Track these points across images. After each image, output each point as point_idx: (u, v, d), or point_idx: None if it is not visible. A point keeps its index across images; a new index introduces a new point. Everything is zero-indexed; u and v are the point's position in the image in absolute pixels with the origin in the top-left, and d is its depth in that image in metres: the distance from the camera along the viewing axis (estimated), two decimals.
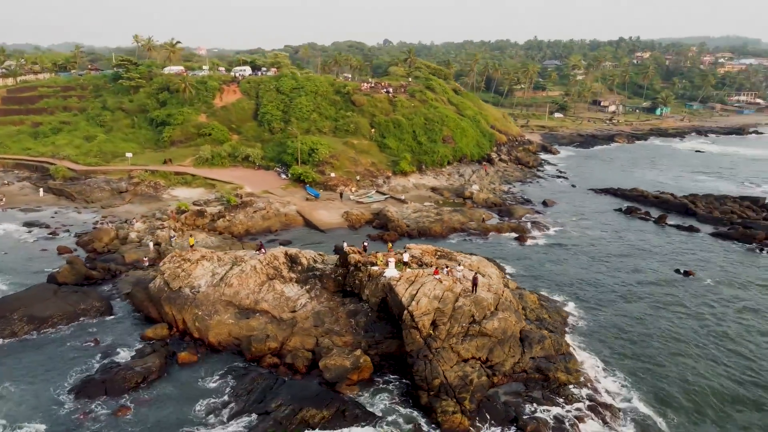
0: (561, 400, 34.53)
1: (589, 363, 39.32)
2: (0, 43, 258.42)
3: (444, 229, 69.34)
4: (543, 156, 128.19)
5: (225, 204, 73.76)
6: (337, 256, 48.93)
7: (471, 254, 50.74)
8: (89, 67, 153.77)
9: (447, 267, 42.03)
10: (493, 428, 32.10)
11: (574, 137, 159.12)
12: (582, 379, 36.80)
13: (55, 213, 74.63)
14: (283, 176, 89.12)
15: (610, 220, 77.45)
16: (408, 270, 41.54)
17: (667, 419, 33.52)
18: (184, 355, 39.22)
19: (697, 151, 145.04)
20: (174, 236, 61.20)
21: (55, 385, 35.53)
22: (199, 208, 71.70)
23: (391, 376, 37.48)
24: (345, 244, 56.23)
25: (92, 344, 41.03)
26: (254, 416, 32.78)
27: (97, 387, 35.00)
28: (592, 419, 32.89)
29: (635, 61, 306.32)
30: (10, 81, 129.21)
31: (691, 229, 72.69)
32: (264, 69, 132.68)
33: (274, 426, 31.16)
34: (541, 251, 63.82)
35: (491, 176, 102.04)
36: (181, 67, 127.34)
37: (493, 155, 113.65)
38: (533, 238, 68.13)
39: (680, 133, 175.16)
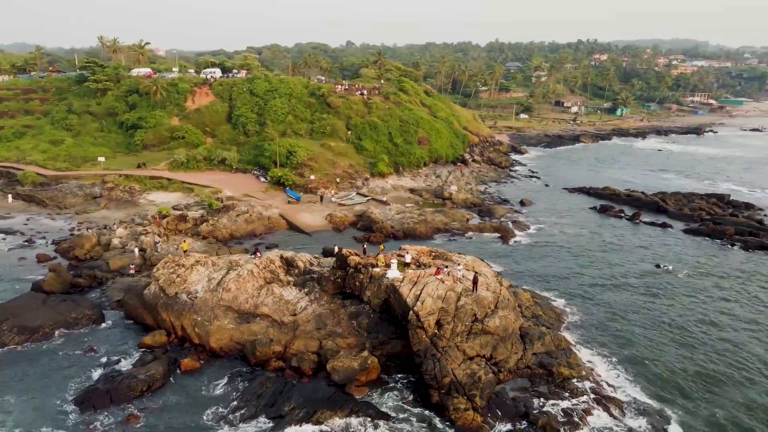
0: (566, 394, 35.57)
1: (587, 357, 40.59)
2: None
3: (428, 230, 70.08)
4: (514, 156, 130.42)
5: (206, 208, 72.84)
6: (332, 259, 49.10)
7: (460, 254, 51.53)
8: (50, 69, 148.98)
9: (447, 267, 42.62)
10: (505, 424, 32.88)
11: (542, 138, 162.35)
12: (583, 373, 37.96)
13: (27, 220, 72.31)
14: (262, 179, 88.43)
15: (586, 219, 79.60)
16: (410, 271, 41.99)
17: (667, 407, 35.06)
18: (187, 362, 38.76)
19: (659, 150, 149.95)
20: (159, 242, 60.16)
21: (56, 397, 34.71)
22: (180, 212, 70.59)
23: (398, 376, 37.92)
24: (336, 247, 56.48)
25: (89, 354, 40.16)
26: (267, 420, 32.75)
27: (101, 397, 34.33)
28: (599, 412, 34.03)
29: (594, 63, 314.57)
30: None
31: (664, 226, 75.38)
32: (235, 71, 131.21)
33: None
34: (525, 250, 65.20)
35: (467, 177, 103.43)
36: (149, 69, 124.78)
37: (467, 156, 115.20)
38: (516, 237, 69.49)
39: (641, 133, 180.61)
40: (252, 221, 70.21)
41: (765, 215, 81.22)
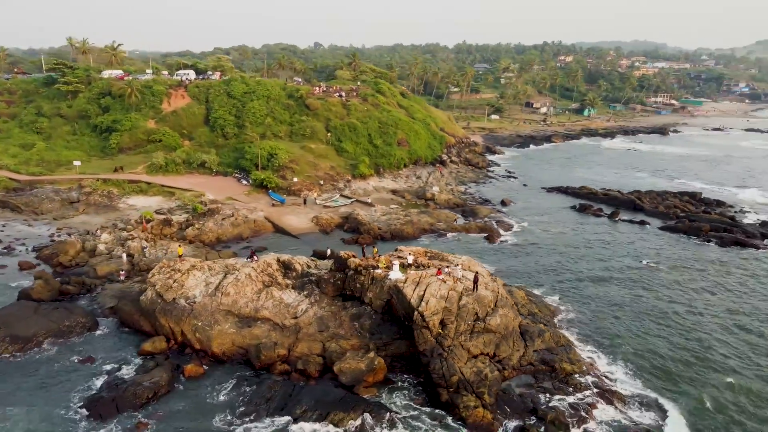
0: (570, 389, 36.50)
1: (585, 352, 41.73)
2: None
3: (415, 231, 70.61)
4: (489, 157, 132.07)
5: (191, 212, 71.90)
6: (328, 261, 49.22)
7: (452, 254, 52.25)
8: (15, 70, 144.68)
9: (448, 267, 43.18)
10: (514, 420, 33.56)
11: (514, 138, 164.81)
12: (584, 368, 38.97)
13: (3, 226, 69.97)
14: (244, 182, 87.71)
15: (567, 218, 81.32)
16: (411, 272, 42.41)
17: (665, 396, 36.55)
18: (191, 368, 38.36)
19: (629, 149, 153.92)
20: (146, 247, 59.21)
21: (61, 406, 34.00)
22: (164, 216, 69.55)
23: (404, 376, 38.29)
24: (329, 250, 56.75)
25: (87, 362, 39.37)
26: (280, 423, 32.71)
27: (107, 405, 33.77)
28: (603, 405, 35.06)
29: (559, 65, 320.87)
30: None
31: (642, 224, 77.59)
32: (209, 73, 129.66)
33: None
34: (513, 249, 66.31)
35: (446, 178, 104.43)
36: (121, 71, 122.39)
37: (445, 157, 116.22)
38: (501, 236, 70.56)
39: (610, 133, 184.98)
40: (238, 224, 69.61)
41: (736, 212, 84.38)
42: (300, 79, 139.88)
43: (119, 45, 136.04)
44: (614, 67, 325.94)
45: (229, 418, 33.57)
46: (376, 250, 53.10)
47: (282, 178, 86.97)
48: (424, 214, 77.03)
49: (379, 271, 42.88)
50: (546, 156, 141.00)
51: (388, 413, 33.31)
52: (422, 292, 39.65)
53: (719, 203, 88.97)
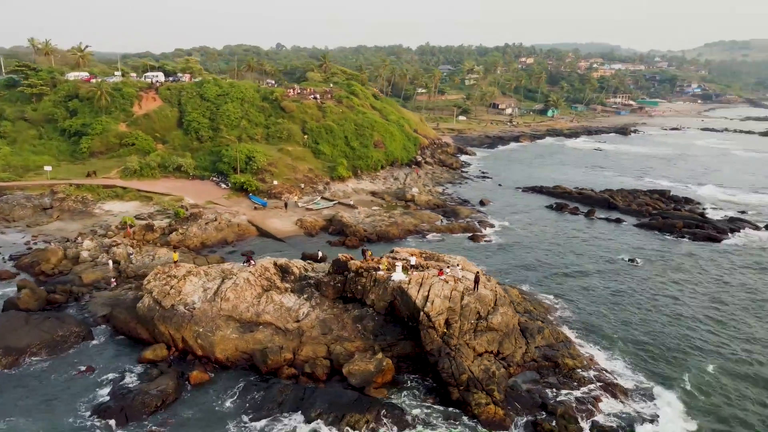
0: (575, 383, 37.56)
1: (585, 347, 42.93)
2: None
3: (400, 232, 71.11)
4: (462, 158, 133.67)
5: (172, 217, 70.69)
6: (324, 264, 49.28)
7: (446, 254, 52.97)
8: None
9: (449, 267, 43.80)
10: (525, 415, 34.34)
11: (483, 139, 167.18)
12: (585, 362, 40.15)
13: None
14: (223, 186, 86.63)
15: (545, 216, 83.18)
16: (414, 273, 42.85)
17: (667, 388, 37.97)
18: (196, 374, 37.91)
19: (594, 149, 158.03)
20: (132, 253, 58.02)
21: (69, 417, 33.17)
22: (146, 222, 68.19)
23: (411, 376, 38.65)
24: (320, 252, 56.80)
25: (87, 372, 38.46)
26: (295, 426, 32.70)
27: (116, 415, 33.17)
28: (607, 398, 36.20)
29: (521, 66, 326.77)
30: None
31: (618, 221, 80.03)
32: (179, 74, 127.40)
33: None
34: (497, 248, 67.49)
35: (423, 179, 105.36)
36: (87, 74, 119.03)
37: (419, 158, 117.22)
38: (485, 236, 71.70)
39: (574, 133, 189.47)
40: (222, 229, 68.79)
41: (704, 209, 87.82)
42: (273, 81, 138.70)
43: (87, 47, 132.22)
44: (574, 68, 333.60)
45: (242, 423, 33.37)
46: (370, 253, 53.38)
47: (261, 181, 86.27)
48: (407, 215, 77.64)
49: (381, 272, 43.17)
50: (515, 156, 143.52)
51: (404, 413, 33.66)
52: (426, 293, 40.17)
53: (687, 200, 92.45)
